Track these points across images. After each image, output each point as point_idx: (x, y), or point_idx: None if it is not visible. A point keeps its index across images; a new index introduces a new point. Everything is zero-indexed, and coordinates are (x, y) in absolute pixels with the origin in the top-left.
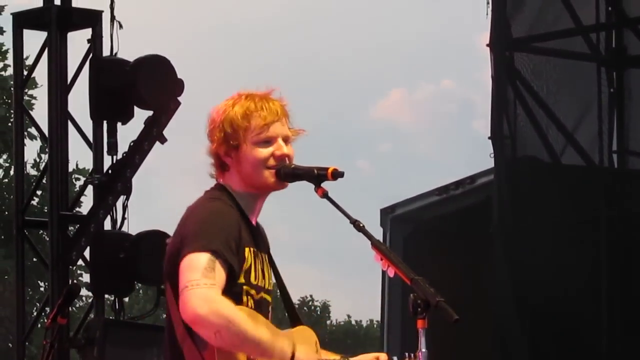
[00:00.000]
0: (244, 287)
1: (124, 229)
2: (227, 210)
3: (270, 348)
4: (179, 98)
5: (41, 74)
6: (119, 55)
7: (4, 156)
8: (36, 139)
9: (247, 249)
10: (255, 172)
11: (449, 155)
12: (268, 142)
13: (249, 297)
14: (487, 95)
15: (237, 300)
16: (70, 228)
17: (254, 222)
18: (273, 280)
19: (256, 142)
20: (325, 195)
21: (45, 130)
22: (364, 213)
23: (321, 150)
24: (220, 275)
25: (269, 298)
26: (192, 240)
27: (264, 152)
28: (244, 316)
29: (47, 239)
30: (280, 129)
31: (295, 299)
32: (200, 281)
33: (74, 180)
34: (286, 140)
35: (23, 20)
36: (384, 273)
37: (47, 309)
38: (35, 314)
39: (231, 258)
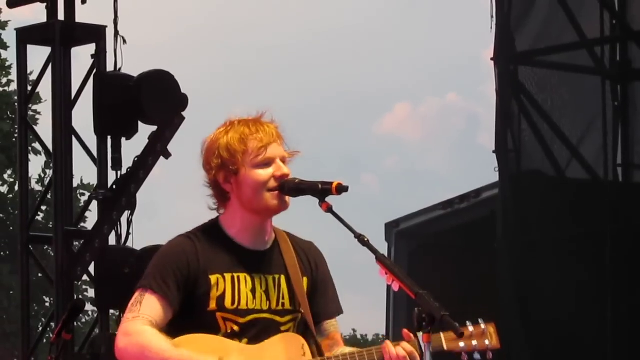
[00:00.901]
0: (217, 313)
1: (129, 244)
2: (177, 243)
3: None
4: (183, 113)
5: (45, 89)
6: (123, 71)
7: (9, 172)
8: (40, 154)
9: (215, 276)
10: (256, 196)
11: (455, 169)
12: (267, 164)
13: (228, 322)
14: (492, 109)
15: (214, 328)
16: (75, 243)
17: (254, 247)
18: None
19: (255, 165)
20: (329, 209)
21: (50, 146)
22: (369, 228)
23: (325, 165)
24: (148, 305)
25: (277, 318)
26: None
27: (264, 174)
28: (159, 340)
29: (52, 254)
30: (277, 150)
31: None
32: (125, 317)
33: (78, 196)
34: (283, 161)
35: (27, 36)
36: (389, 287)
37: (52, 325)
38: (40, 329)
39: (162, 287)
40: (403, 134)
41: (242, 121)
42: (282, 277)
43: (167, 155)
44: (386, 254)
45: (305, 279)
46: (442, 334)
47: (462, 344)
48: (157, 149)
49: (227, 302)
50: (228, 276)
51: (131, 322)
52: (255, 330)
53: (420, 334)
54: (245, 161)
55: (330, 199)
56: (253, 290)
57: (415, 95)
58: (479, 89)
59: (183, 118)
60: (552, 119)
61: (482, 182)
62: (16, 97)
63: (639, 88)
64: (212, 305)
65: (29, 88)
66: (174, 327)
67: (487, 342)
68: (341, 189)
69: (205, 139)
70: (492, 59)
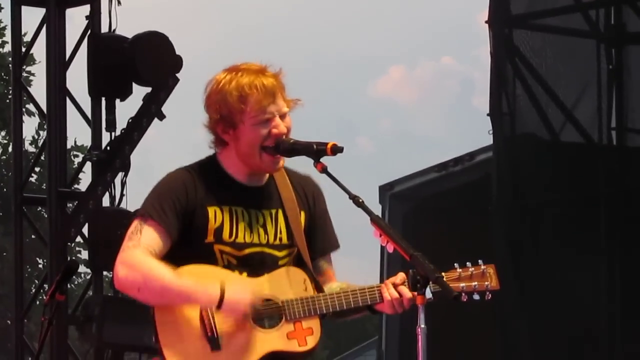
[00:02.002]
0: (215, 245)
1: (123, 205)
2: (175, 175)
3: (193, 293)
4: (177, 75)
5: (39, 50)
6: (118, 32)
7: (2, 133)
8: (34, 116)
9: (212, 208)
10: (251, 153)
11: (449, 131)
12: (266, 122)
13: (224, 255)
14: (487, 72)
15: (211, 260)
16: (69, 205)
17: (250, 183)
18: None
19: (254, 124)
20: (324, 170)
21: (44, 107)
22: (363, 190)
23: (320, 127)
24: (147, 235)
25: (275, 252)
26: None
27: (261, 132)
28: (161, 269)
29: (46, 215)
30: (276, 107)
31: None
32: (124, 245)
33: (72, 157)
34: (283, 116)
35: None
36: (383, 249)
37: (46, 286)
38: (33, 291)
39: (161, 216)
40: (398, 97)
41: (244, 71)
42: (280, 211)
43: (161, 116)
44: (380, 217)
45: (302, 213)
46: (443, 275)
47: (462, 285)
48: (151, 110)
49: (225, 235)
50: (226, 209)
51: (131, 250)
52: (253, 264)
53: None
54: (243, 119)
55: (325, 160)
56: (250, 225)
57: (410, 58)
58: (473, 52)
59: (177, 80)
60: (547, 82)
61: (477, 145)
62: (10, 59)
63: (633, 51)
64: (210, 237)
65: (23, 49)
66: (171, 259)
67: (486, 283)
68: (336, 150)
69: (209, 81)
70: (486, 22)
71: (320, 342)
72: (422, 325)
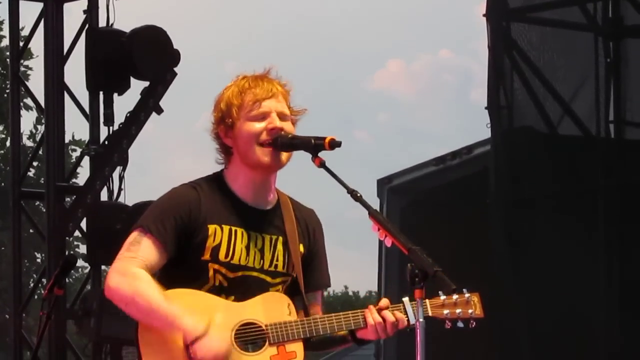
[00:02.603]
0: (210, 264)
1: (121, 199)
2: (180, 190)
3: (177, 321)
4: (175, 69)
5: (37, 44)
6: (115, 26)
7: (0, 127)
8: (32, 110)
9: (213, 226)
10: (248, 149)
11: (447, 125)
12: (262, 117)
13: (217, 275)
14: (485, 65)
15: (203, 278)
16: (67, 199)
17: (256, 204)
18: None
19: (249, 118)
20: (322, 164)
21: (42, 101)
22: (361, 184)
23: (318, 121)
24: (145, 248)
25: (268, 279)
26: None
27: (257, 126)
28: (151, 289)
29: (44, 210)
30: (274, 105)
31: None
32: (121, 255)
33: (70, 152)
34: (283, 117)
35: None
36: (381, 243)
37: (44, 281)
38: (32, 285)
39: (161, 232)
40: (396, 91)
41: (246, 77)
42: (280, 239)
43: (159, 110)
44: (378, 211)
45: (301, 245)
46: (427, 301)
47: (446, 312)
48: (149, 104)
49: (221, 254)
50: (226, 228)
51: (127, 261)
52: (243, 288)
53: (406, 299)
54: (240, 115)
55: (323, 154)
56: (247, 247)
57: (408, 51)
58: (471, 46)
59: (175, 74)
60: (545, 75)
61: (475, 139)
62: (8, 53)
63: (631, 45)
64: (206, 255)
65: (21, 44)
66: (165, 273)
67: (470, 310)
68: (334, 144)
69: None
70: (484, 15)
71: None
72: (421, 319)
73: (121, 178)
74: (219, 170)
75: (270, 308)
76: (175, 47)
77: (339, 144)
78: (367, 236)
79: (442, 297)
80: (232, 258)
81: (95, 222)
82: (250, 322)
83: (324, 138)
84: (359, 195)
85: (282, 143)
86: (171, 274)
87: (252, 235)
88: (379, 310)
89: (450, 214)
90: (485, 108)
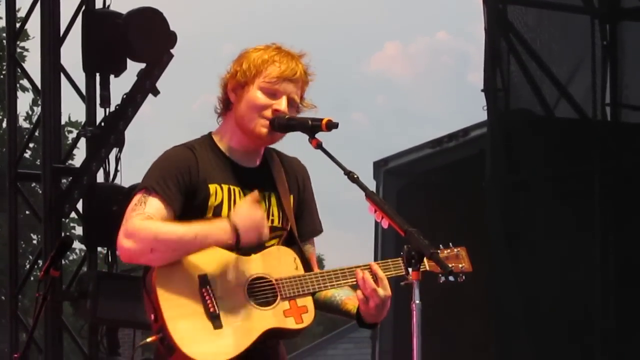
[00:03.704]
0: None
1: (117, 181)
2: (176, 151)
3: (208, 232)
4: (171, 50)
5: (34, 26)
6: (112, 8)
7: None
8: (28, 91)
9: (214, 186)
10: (248, 115)
11: (444, 107)
12: (273, 94)
13: None
14: (482, 47)
15: None
16: (63, 181)
17: (246, 164)
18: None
19: (262, 88)
20: (319, 146)
21: (38, 83)
22: (358, 166)
23: (316, 102)
24: (152, 205)
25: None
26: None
27: (265, 100)
28: (166, 224)
29: (40, 191)
30: (290, 89)
31: None
32: (128, 216)
33: (66, 133)
34: (291, 102)
35: None
36: (377, 225)
37: (40, 262)
38: (27, 267)
39: (165, 190)
40: (393, 73)
41: (280, 48)
42: (272, 195)
43: (156, 92)
44: (375, 192)
45: (291, 196)
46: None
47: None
48: (145, 86)
49: (224, 213)
50: (225, 187)
51: (134, 219)
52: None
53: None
54: (255, 80)
55: (320, 136)
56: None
57: (405, 33)
58: (469, 28)
59: (172, 56)
60: (541, 58)
61: (472, 121)
62: (4, 34)
63: (627, 27)
64: (209, 214)
65: (18, 25)
66: None
67: (461, 265)
68: (331, 126)
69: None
70: None
71: (314, 318)
72: (417, 301)
73: (117, 159)
74: (207, 134)
75: (279, 262)
76: (172, 28)
77: (336, 125)
78: (364, 218)
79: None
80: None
81: (91, 204)
82: (260, 276)
83: (321, 119)
84: (355, 176)
85: (279, 124)
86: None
87: (247, 193)
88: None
89: (446, 196)
90: (482, 90)
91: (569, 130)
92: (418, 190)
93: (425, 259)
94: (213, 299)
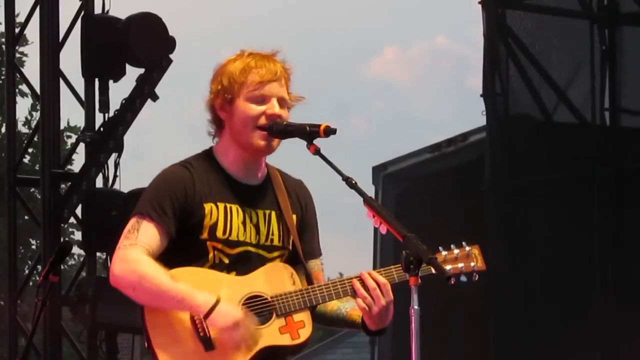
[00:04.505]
0: (208, 242)
1: (116, 186)
2: (172, 171)
3: (187, 298)
4: (170, 56)
5: (33, 31)
6: (111, 13)
7: None
8: (27, 97)
9: (209, 205)
10: (244, 129)
11: (444, 112)
12: (262, 100)
13: (216, 252)
14: (481, 52)
15: (203, 257)
16: (62, 186)
17: (246, 181)
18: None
19: (249, 98)
20: (317, 152)
21: (37, 88)
22: (357, 170)
23: (315, 107)
24: (145, 233)
25: (265, 253)
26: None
27: (256, 109)
28: (157, 271)
29: (39, 196)
30: (276, 90)
31: None
32: (121, 244)
33: (65, 138)
34: (282, 102)
35: None
36: (376, 230)
37: (39, 267)
38: (27, 272)
39: (159, 215)
40: (392, 77)
41: (252, 54)
42: (273, 213)
43: (155, 97)
44: (373, 198)
45: (294, 216)
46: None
47: (448, 267)
48: (144, 91)
49: (219, 232)
50: (221, 206)
51: (128, 249)
52: (243, 264)
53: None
54: (241, 92)
55: (318, 142)
56: (244, 223)
57: (404, 38)
58: (468, 32)
59: (170, 61)
60: (540, 62)
61: (472, 126)
62: (3, 39)
63: (626, 32)
64: (204, 234)
65: (17, 30)
66: (165, 254)
67: (472, 264)
68: (329, 132)
69: (217, 65)
70: (479, 2)
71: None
72: (415, 307)
73: (116, 165)
74: (208, 148)
75: (274, 279)
76: (170, 33)
77: (334, 131)
78: (362, 223)
79: (443, 253)
80: (230, 235)
81: (90, 209)
82: (255, 294)
83: (319, 125)
84: (353, 182)
85: (277, 130)
86: (171, 256)
87: (246, 211)
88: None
89: (445, 201)
90: (481, 95)
91: (568, 135)
92: (417, 195)
93: (432, 268)
94: (203, 322)
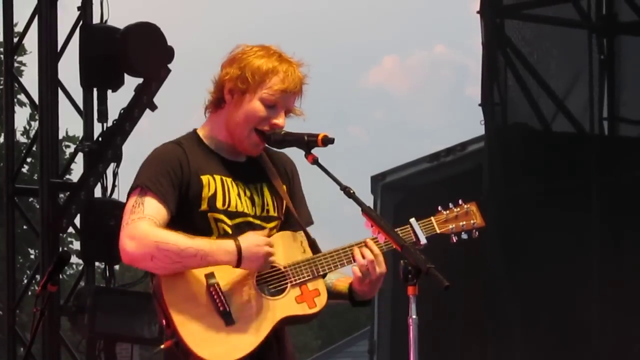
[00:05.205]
0: (209, 214)
1: (115, 196)
2: (165, 148)
3: (210, 250)
4: (169, 65)
5: (31, 41)
6: (109, 23)
7: None
8: (26, 106)
9: (206, 177)
10: (243, 125)
11: (443, 121)
12: (273, 106)
13: (219, 223)
14: (480, 61)
15: (206, 230)
16: (61, 196)
17: (233, 158)
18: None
19: (263, 99)
20: (315, 161)
21: (35, 98)
22: (356, 180)
23: (313, 117)
24: (149, 206)
25: (264, 224)
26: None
27: (264, 112)
28: (172, 234)
29: (38, 206)
30: (289, 102)
31: None
32: (128, 219)
33: (64, 148)
34: (287, 113)
35: None
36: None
37: (38, 277)
38: (25, 281)
39: (160, 188)
40: (391, 87)
41: (282, 57)
42: (264, 185)
43: (153, 107)
44: (372, 207)
45: (284, 187)
46: (432, 219)
47: (451, 226)
48: (143, 101)
49: (219, 203)
50: (217, 178)
51: (137, 222)
52: (242, 233)
53: (413, 219)
54: (257, 90)
55: (316, 151)
56: (239, 195)
57: (403, 47)
58: (467, 42)
59: (169, 70)
60: (538, 72)
61: (470, 135)
62: (2, 49)
63: (625, 41)
64: (204, 205)
65: (15, 39)
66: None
67: (472, 221)
68: (327, 141)
69: (241, 45)
70: (478, 12)
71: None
72: (414, 316)
73: (115, 174)
74: (191, 131)
75: (286, 248)
76: (169, 43)
77: (331, 141)
78: (361, 232)
79: (445, 212)
80: (229, 205)
81: (89, 219)
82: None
83: (317, 135)
84: (352, 192)
85: (275, 139)
86: (175, 230)
87: (239, 184)
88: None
89: None
90: (479, 105)
91: (566, 145)
92: (416, 204)
93: (433, 221)
94: (222, 296)
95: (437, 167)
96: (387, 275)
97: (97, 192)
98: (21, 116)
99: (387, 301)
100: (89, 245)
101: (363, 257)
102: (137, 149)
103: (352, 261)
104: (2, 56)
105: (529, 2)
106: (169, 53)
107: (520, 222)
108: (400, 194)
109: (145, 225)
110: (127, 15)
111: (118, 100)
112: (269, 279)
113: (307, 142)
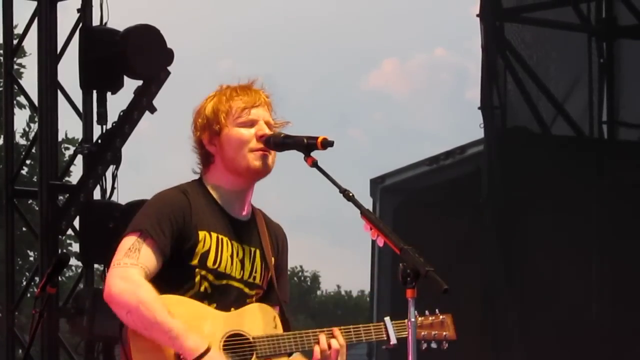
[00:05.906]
0: (197, 269)
1: (114, 198)
2: (171, 194)
3: (180, 338)
4: (168, 68)
5: (31, 43)
6: (109, 25)
7: None
8: (25, 108)
9: (203, 232)
10: (238, 154)
11: (442, 125)
12: (250, 124)
13: (204, 281)
14: (480, 64)
15: (189, 282)
16: (60, 198)
17: (235, 215)
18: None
19: (239, 124)
20: (314, 164)
21: (35, 100)
22: (355, 183)
23: (313, 119)
24: (146, 255)
25: (246, 289)
26: (129, 224)
27: (247, 133)
28: (158, 302)
29: (37, 208)
30: (262, 113)
31: None
32: (122, 260)
33: (63, 150)
34: (269, 126)
35: None
36: (373, 243)
37: (37, 279)
38: (24, 283)
39: (160, 236)
40: (391, 90)
41: (230, 86)
42: (257, 251)
43: (153, 109)
44: (371, 210)
45: (273, 259)
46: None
47: (423, 333)
48: (142, 103)
49: (210, 261)
50: (214, 235)
51: (130, 269)
52: (225, 296)
53: (387, 318)
54: (228, 121)
55: (316, 154)
56: (232, 257)
57: (403, 50)
58: (467, 45)
59: (169, 73)
60: (538, 75)
61: (470, 138)
62: (1, 51)
63: (624, 45)
64: (195, 260)
65: (15, 42)
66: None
67: (445, 333)
68: (326, 144)
69: (195, 107)
70: (478, 15)
71: None
72: (412, 319)
73: (114, 177)
74: (199, 178)
75: (257, 320)
76: (169, 46)
77: (331, 144)
78: (360, 235)
79: (420, 319)
80: (219, 265)
81: (88, 221)
82: (237, 333)
83: (317, 138)
84: (351, 194)
85: (275, 142)
86: (157, 277)
87: (234, 245)
88: (329, 337)
89: (443, 214)
90: (479, 108)
91: (566, 148)
92: (415, 207)
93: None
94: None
95: (436, 170)
96: (385, 278)
97: (97, 194)
98: (21, 118)
99: (386, 304)
100: (87, 248)
101: (329, 346)
102: (136, 152)
103: (315, 344)
104: (1, 58)
105: (529, 6)
106: (168, 55)
107: (519, 225)
108: (399, 197)
109: (138, 276)
110: (127, 18)
111: (117, 103)
112: (236, 347)
113: (307, 145)
